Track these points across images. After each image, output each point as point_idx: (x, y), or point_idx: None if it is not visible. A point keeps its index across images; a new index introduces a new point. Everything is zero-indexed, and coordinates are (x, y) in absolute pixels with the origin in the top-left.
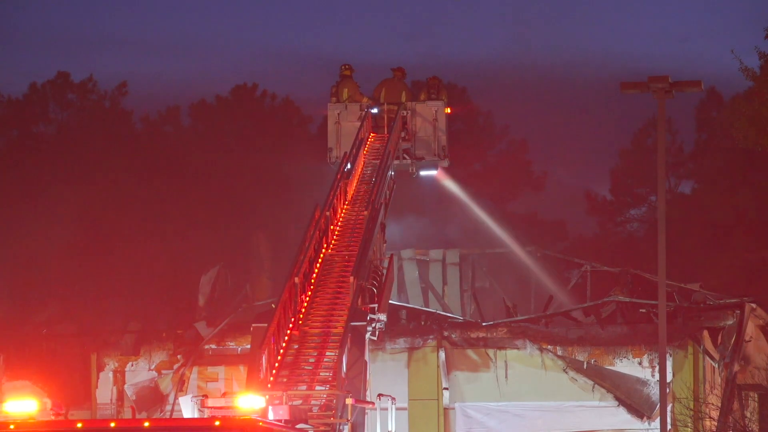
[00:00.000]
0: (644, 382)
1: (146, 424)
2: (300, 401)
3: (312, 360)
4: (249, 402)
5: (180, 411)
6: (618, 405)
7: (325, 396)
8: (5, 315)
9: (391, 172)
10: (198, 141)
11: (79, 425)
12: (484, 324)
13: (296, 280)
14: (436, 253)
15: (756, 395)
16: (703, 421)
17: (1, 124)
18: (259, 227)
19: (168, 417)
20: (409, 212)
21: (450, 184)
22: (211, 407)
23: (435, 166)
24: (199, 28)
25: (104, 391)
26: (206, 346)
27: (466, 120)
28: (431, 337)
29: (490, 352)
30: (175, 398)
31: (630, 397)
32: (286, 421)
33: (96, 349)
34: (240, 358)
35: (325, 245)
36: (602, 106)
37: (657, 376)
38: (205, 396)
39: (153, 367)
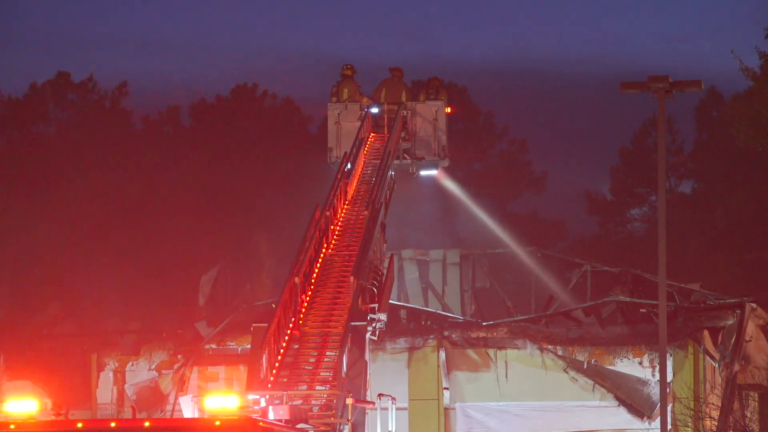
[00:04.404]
0: (645, 382)
1: (146, 424)
2: (300, 401)
3: (312, 360)
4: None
5: (180, 411)
6: (618, 405)
7: (325, 396)
8: (5, 315)
9: (391, 172)
10: (198, 141)
11: (80, 425)
12: (484, 324)
13: (296, 280)
14: (436, 253)
15: (756, 395)
16: (704, 420)
17: (1, 124)
18: (259, 227)
19: (168, 417)
20: (409, 212)
21: (450, 184)
22: (211, 407)
23: (435, 166)
24: (199, 28)
25: (104, 391)
26: (206, 346)
27: (466, 120)
28: (431, 337)
29: (491, 352)
30: (176, 398)
31: (630, 397)
32: (286, 421)
33: (96, 349)
34: (240, 358)
35: (325, 245)
36: (602, 105)
37: (657, 375)
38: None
39: (153, 367)
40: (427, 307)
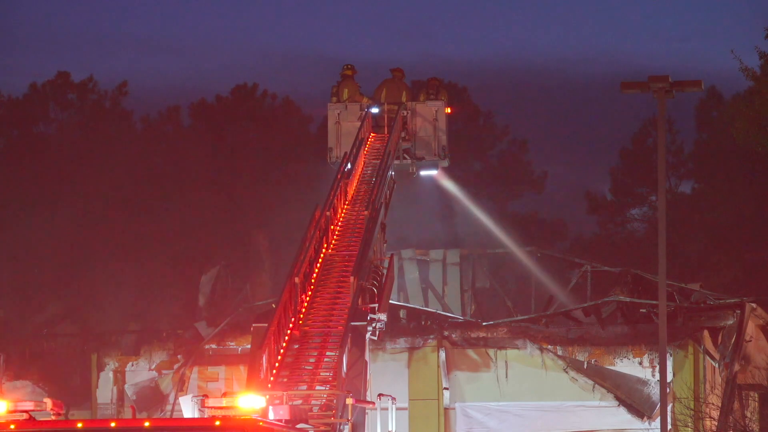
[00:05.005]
0: (645, 382)
1: (146, 424)
2: (300, 401)
3: (312, 360)
4: (249, 402)
5: (180, 411)
6: (618, 405)
7: (325, 396)
8: (5, 315)
9: (391, 172)
10: (198, 141)
11: (80, 425)
12: (484, 324)
13: (296, 280)
14: (436, 253)
15: (756, 395)
16: (704, 420)
17: (1, 124)
18: (259, 227)
19: (168, 417)
20: (409, 212)
21: (450, 184)
22: (211, 407)
23: (435, 166)
24: (200, 28)
25: (104, 391)
26: (206, 346)
27: (466, 120)
28: (431, 337)
29: (491, 352)
30: (176, 398)
31: (630, 397)
32: (286, 421)
33: (96, 349)
34: (240, 358)
35: (325, 245)
36: (602, 105)
37: (657, 375)
38: (206, 396)
39: (153, 367)
40: (427, 307)
